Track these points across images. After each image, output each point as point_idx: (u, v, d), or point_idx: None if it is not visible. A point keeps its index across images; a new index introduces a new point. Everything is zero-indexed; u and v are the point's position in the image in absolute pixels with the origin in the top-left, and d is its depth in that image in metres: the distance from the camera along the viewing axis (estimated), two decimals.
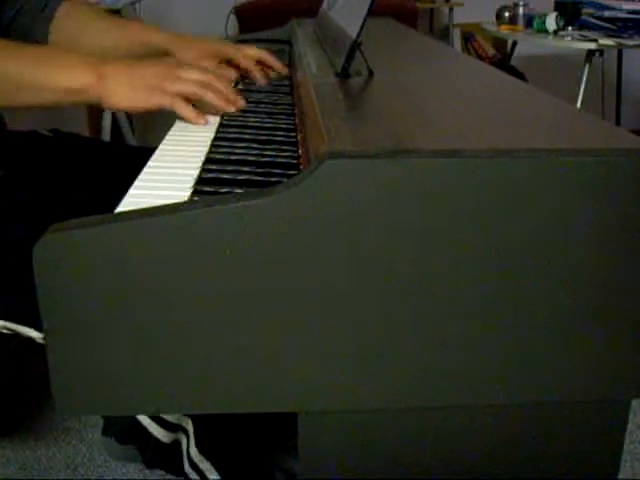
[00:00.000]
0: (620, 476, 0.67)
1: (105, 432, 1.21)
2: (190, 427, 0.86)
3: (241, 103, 0.89)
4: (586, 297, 0.56)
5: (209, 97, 0.84)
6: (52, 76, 0.80)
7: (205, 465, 0.87)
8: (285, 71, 1.10)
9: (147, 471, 1.23)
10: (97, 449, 1.31)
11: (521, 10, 2.52)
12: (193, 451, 0.86)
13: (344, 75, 0.82)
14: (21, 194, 0.94)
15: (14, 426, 1.38)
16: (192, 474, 0.87)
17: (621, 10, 2.28)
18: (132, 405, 0.57)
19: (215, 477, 0.87)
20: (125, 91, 0.80)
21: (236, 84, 1.04)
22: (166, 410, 0.63)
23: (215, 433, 0.88)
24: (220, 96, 0.86)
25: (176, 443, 0.89)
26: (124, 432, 1.13)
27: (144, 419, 0.85)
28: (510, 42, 2.86)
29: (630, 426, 1.39)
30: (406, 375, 0.57)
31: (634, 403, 1.40)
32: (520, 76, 2.91)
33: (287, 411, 0.58)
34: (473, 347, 0.57)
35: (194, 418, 0.86)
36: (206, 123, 0.84)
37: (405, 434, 0.62)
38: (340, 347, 0.56)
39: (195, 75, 0.84)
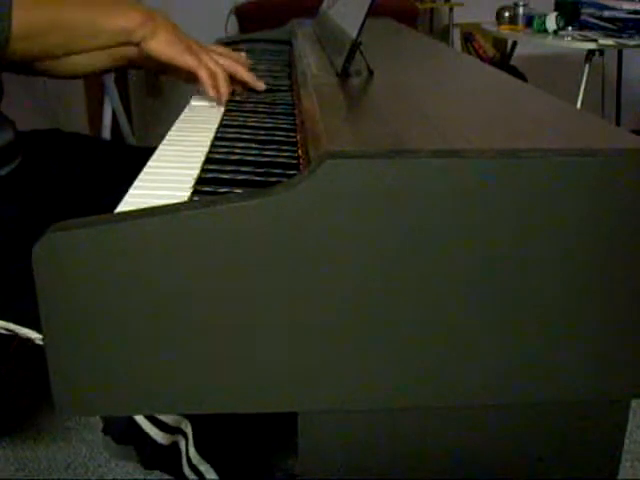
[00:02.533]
0: (620, 476, 0.67)
1: (105, 431, 1.21)
2: (189, 429, 0.86)
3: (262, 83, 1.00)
4: (586, 297, 0.56)
5: (240, 71, 0.95)
6: (107, 19, 0.85)
7: (204, 467, 0.87)
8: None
9: (147, 471, 1.23)
10: (97, 449, 1.31)
11: (521, 10, 2.52)
12: (192, 453, 0.86)
13: (344, 75, 0.82)
14: (22, 193, 0.94)
15: (14, 426, 1.38)
16: (191, 475, 0.87)
17: (621, 10, 2.28)
18: (132, 405, 0.57)
19: (214, 478, 0.87)
20: (166, 39, 0.87)
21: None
22: (165, 410, 0.63)
23: (214, 434, 0.88)
24: (249, 73, 0.96)
25: (174, 445, 0.89)
26: (121, 432, 1.13)
27: (142, 421, 0.85)
28: (510, 42, 2.86)
29: (630, 426, 1.39)
30: (406, 375, 0.57)
31: (634, 403, 1.41)
32: (521, 76, 2.91)
33: (287, 411, 0.58)
34: (473, 347, 0.57)
35: (193, 420, 0.85)
36: (219, 98, 0.91)
37: (405, 434, 0.62)
38: (340, 347, 0.56)
39: (224, 60, 0.94)
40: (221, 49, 1.00)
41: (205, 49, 0.93)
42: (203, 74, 0.89)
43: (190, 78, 0.95)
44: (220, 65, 0.92)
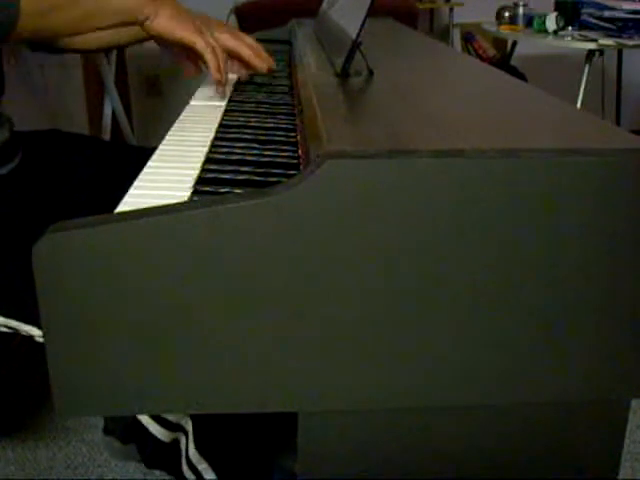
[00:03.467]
0: (620, 476, 0.67)
1: (106, 431, 1.21)
2: (189, 427, 0.86)
3: (271, 63, 0.99)
4: (586, 297, 0.56)
5: (245, 52, 0.94)
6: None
7: (203, 466, 0.87)
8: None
9: (147, 470, 1.23)
10: (97, 449, 1.31)
11: (521, 10, 2.52)
12: (191, 451, 0.86)
13: (344, 75, 0.82)
14: (21, 193, 0.94)
15: (14, 426, 1.38)
16: (189, 475, 0.87)
17: (621, 10, 2.28)
18: (132, 405, 0.57)
19: (212, 477, 0.87)
20: (170, 18, 0.87)
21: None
22: (165, 410, 0.63)
23: (214, 433, 0.88)
24: (254, 54, 0.95)
25: (175, 443, 0.89)
26: (126, 431, 1.13)
27: (143, 418, 0.85)
28: (510, 42, 2.86)
29: (630, 426, 1.39)
30: (406, 375, 0.57)
31: (634, 403, 1.40)
32: (521, 76, 2.91)
33: (287, 411, 0.58)
34: (473, 347, 0.57)
35: (194, 418, 0.86)
36: (222, 79, 0.90)
37: (405, 434, 0.62)
38: (340, 347, 0.56)
39: (227, 39, 0.94)
40: (227, 28, 0.99)
41: (211, 28, 0.93)
42: (209, 56, 0.89)
43: (192, 58, 0.96)
44: (223, 45, 0.92)
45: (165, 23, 0.87)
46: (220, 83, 0.91)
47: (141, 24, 0.87)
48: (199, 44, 0.88)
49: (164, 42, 0.91)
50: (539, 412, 0.62)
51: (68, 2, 0.83)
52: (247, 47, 0.96)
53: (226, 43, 0.95)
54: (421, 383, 0.58)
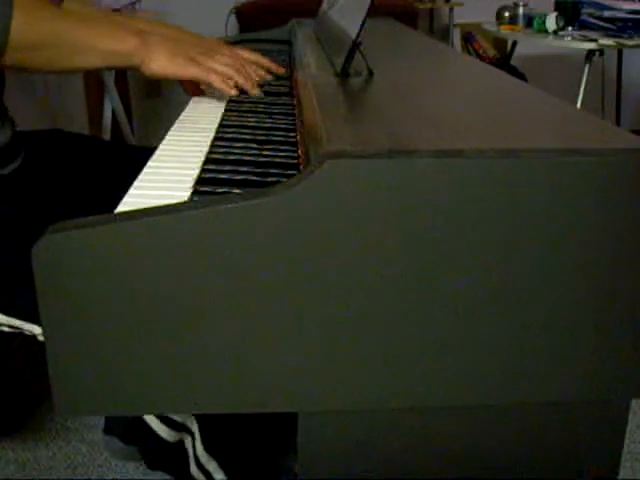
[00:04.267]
0: (620, 476, 0.67)
1: (107, 431, 1.21)
2: (195, 427, 0.86)
3: (282, 70, 1.03)
4: (586, 297, 0.56)
5: (240, 80, 0.94)
6: (102, 40, 0.85)
7: (212, 465, 0.87)
8: (281, 71, 1.10)
9: (148, 470, 1.23)
10: (97, 449, 1.31)
11: (521, 10, 2.52)
12: (200, 451, 0.86)
13: (344, 75, 0.82)
14: (23, 193, 0.94)
15: (14, 426, 1.38)
16: (199, 475, 0.87)
17: (621, 10, 2.28)
18: (132, 406, 0.57)
19: (221, 477, 0.87)
20: (166, 59, 0.88)
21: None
22: (165, 410, 0.63)
23: (220, 433, 0.88)
24: (248, 80, 0.95)
25: (180, 444, 0.89)
26: (128, 431, 1.13)
27: (148, 417, 0.85)
28: (510, 42, 2.86)
29: (630, 426, 1.39)
30: (406, 375, 0.57)
31: (634, 403, 1.41)
32: (521, 76, 2.91)
33: (287, 411, 0.58)
34: (473, 347, 0.57)
35: (199, 418, 0.86)
36: (234, 91, 0.93)
37: (405, 434, 0.62)
38: (340, 347, 0.56)
39: (227, 59, 0.94)
40: (226, 48, 1.00)
41: (210, 52, 0.94)
42: (214, 79, 0.90)
43: (197, 88, 0.98)
44: (227, 65, 0.93)
45: (159, 65, 0.88)
46: (249, 91, 0.95)
47: (136, 69, 0.88)
48: (198, 75, 0.90)
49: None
50: (539, 412, 0.62)
51: (57, 40, 0.82)
52: (243, 74, 0.96)
53: (228, 61, 0.95)
54: (421, 383, 0.58)
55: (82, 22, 0.86)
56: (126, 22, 0.95)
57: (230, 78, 0.93)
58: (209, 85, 0.93)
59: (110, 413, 0.59)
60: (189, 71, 0.89)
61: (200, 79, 0.91)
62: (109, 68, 0.88)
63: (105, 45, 0.85)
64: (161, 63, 0.88)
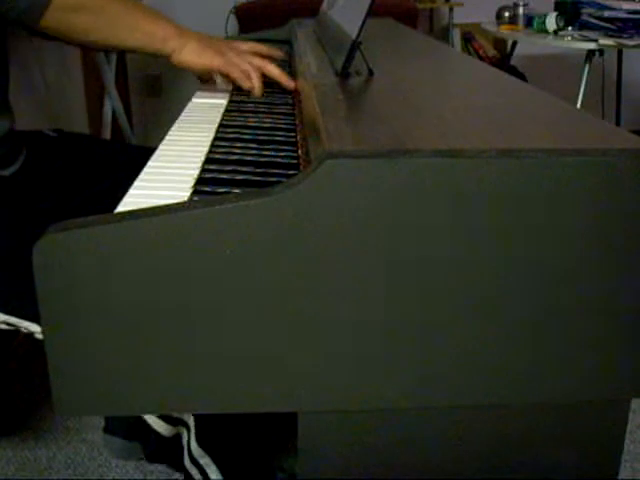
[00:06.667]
0: (620, 476, 0.67)
1: (107, 430, 1.21)
2: (191, 421, 0.87)
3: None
4: (586, 297, 0.56)
5: (270, 69, 0.99)
6: (143, 20, 0.92)
7: (205, 460, 0.87)
8: (280, 55, 1.12)
9: (147, 470, 1.23)
10: (97, 449, 1.31)
11: (521, 10, 2.52)
12: (193, 446, 0.87)
13: (344, 75, 0.82)
14: (24, 192, 0.94)
15: (14, 426, 1.38)
16: (192, 469, 0.88)
17: (621, 10, 2.28)
18: (132, 405, 0.57)
19: (215, 473, 0.87)
20: (195, 49, 0.94)
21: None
22: (165, 410, 0.63)
23: (216, 430, 0.88)
24: (280, 72, 1.00)
25: (177, 437, 0.89)
26: (130, 428, 1.13)
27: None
28: (510, 42, 2.86)
29: (630, 426, 1.39)
30: (406, 375, 0.57)
31: (634, 403, 1.40)
32: (521, 76, 2.91)
33: (287, 411, 0.58)
34: (473, 348, 0.57)
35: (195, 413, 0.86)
36: (254, 90, 0.99)
37: (405, 434, 0.62)
38: (340, 347, 0.56)
39: (252, 58, 1.00)
40: (250, 46, 1.04)
41: (236, 49, 1.00)
42: (235, 73, 0.96)
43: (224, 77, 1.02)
44: (250, 63, 0.98)
45: (190, 56, 0.94)
46: (255, 94, 0.99)
47: (167, 56, 0.93)
48: (222, 67, 0.95)
49: (189, 70, 0.96)
50: (539, 412, 0.62)
51: (99, 7, 0.87)
52: (273, 66, 1.01)
53: (252, 61, 1.00)
54: (421, 383, 0.57)
55: (132, 3, 0.91)
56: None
57: (249, 77, 0.98)
58: (227, 78, 0.99)
59: (110, 413, 0.59)
60: (215, 63, 0.95)
61: (224, 72, 0.96)
62: (138, 51, 0.94)
63: (144, 25, 0.91)
64: (191, 53, 0.93)
